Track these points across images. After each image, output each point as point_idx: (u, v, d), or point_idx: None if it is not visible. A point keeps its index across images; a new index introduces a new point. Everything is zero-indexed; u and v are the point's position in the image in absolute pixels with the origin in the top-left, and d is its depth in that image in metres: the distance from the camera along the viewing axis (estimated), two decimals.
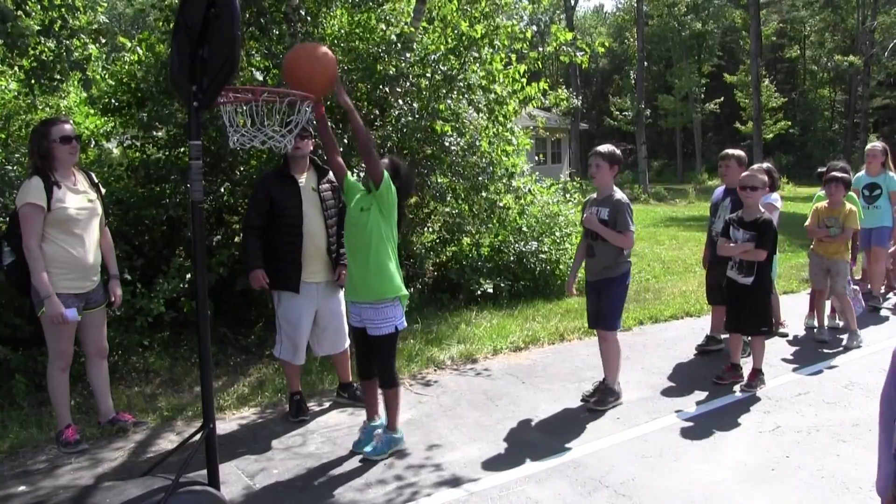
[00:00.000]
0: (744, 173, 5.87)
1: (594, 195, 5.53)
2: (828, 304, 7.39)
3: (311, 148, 5.25)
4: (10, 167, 6.43)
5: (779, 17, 45.15)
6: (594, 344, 7.11)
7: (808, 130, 42.60)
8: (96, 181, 4.90)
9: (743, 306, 5.73)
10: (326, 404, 5.59)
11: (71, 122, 4.84)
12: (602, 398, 5.38)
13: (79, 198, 4.60)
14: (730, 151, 6.55)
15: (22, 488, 4.24)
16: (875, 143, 8.60)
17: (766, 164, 7.20)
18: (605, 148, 5.40)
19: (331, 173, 5.23)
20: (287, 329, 5.13)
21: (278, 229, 5.00)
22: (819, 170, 9.30)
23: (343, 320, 5.33)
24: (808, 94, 44.88)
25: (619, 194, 5.34)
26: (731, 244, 5.69)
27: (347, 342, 5.39)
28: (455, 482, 4.22)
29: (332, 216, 5.17)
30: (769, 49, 46.40)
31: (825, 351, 6.76)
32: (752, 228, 5.61)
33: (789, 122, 39.88)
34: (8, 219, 4.72)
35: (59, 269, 4.49)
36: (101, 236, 4.84)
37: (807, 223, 7.01)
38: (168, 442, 4.87)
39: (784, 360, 6.52)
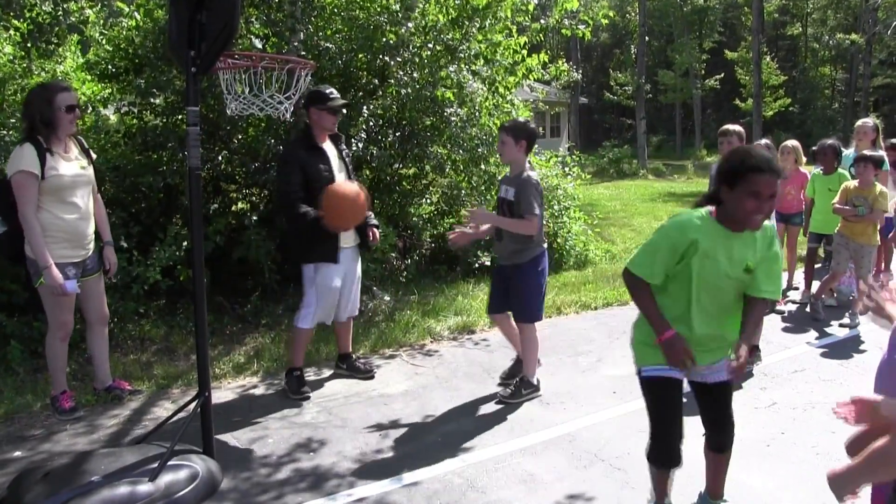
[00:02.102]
0: None
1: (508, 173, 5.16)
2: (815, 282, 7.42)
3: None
4: (5, 132, 6.37)
5: None
6: (591, 318, 7.15)
7: (808, 108, 42.43)
8: (87, 147, 4.79)
9: None
10: (323, 373, 5.60)
11: (72, 88, 4.74)
12: (516, 391, 5.05)
13: (72, 165, 4.51)
14: (730, 127, 6.46)
15: (18, 453, 4.24)
16: (866, 120, 8.40)
17: (764, 141, 7.14)
18: (510, 122, 5.12)
19: (344, 139, 5.40)
20: (326, 295, 5.06)
21: (315, 203, 4.81)
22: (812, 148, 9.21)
23: (359, 285, 5.41)
24: (809, 72, 44.62)
25: (528, 172, 4.93)
26: None
27: (357, 309, 5.52)
28: (451, 453, 4.23)
29: (353, 180, 5.18)
30: (771, 26, 46.09)
31: (822, 329, 6.77)
32: None
33: (789, 100, 39.70)
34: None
35: (55, 238, 4.42)
36: (94, 203, 4.79)
37: (835, 200, 6.90)
38: (163, 410, 4.87)
39: (781, 336, 6.53)
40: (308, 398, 5.12)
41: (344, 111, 5.12)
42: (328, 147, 5.10)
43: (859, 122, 8.38)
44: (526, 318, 5.03)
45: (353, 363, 5.56)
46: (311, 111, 5.00)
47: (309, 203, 4.85)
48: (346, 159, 5.26)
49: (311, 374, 5.55)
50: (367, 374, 5.50)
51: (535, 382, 5.14)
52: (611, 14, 9.94)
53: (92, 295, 4.82)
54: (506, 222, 4.88)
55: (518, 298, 5.01)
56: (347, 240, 5.13)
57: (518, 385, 5.07)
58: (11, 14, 5.57)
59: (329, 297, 5.09)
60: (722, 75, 40.70)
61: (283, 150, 5.77)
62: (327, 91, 5.00)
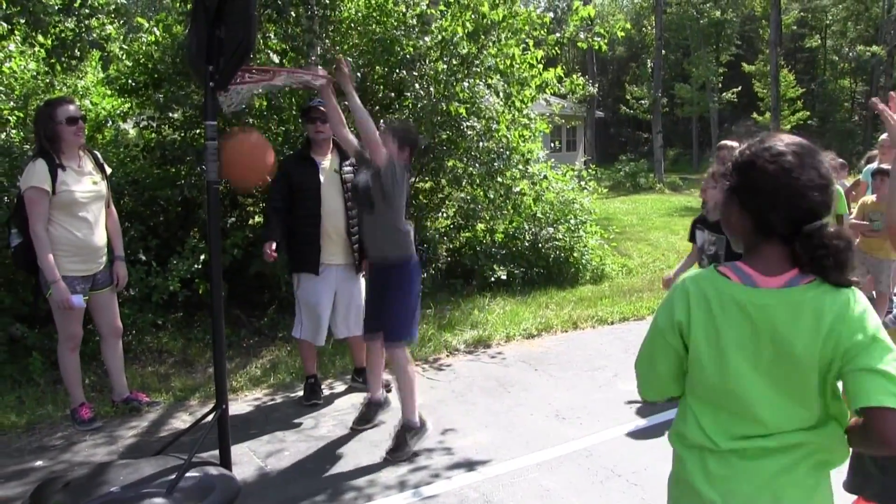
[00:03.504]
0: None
1: None
2: None
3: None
4: (27, 146, 6.46)
5: (800, 5, 44.61)
6: (607, 332, 7.13)
7: (828, 122, 42.17)
8: (101, 161, 4.83)
9: None
10: (339, 387, 5.61)
11: (75, 101, 4.79)
12: (400, 443, 4.34)
13: (84, 180, 4.56)
14: (727, 142, 6.27)
15: (39, 463, 4.29)
16: None
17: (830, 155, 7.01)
18: (394, 124, 4.62)
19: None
20: (307, 310, 5.10)
21: (298, 212, 4.98)
22: None
23: (361, 305, 5.31)
24: (828, 85, 44.38)
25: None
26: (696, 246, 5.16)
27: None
28: (466, 467, 4.23)
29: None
30: (789, 38, 45.90)
31: None
32: (717, 230, 5.03)
33: (808, 113, 39.47)
34: (16, 200, 4.70)
35: (65, 252, 4.47)
36: (107, 217, 4.81)
37: (852, 216, 6.84)
38: (181, 422, 4.90)
39: None
40: (314, 405, 5.19)
41: (318, 117, 5.00)
42: (328, 160, 5.09)
43: (883, 136, 8.29)
44: (390, 336, 4.35)
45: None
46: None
47: (292, 211, 5.01)
48: (347, 175, 5.06)
49: (325, 388, 5.56)
50: (384, 388, 5.49)
51: (419, 422, 4.44)
52: (627, 26, 9.94)
53: (103, 308, 4.85)
54: (358, 106, 4.16)
55: (385, 310, 4.35)
56: (335, 257, 5.07)
57: (400, 433, 4.38)
58: (38, 31, 5.67)
59: (309, 310, 5.09)
60: (739, 88, 40.53)
61: None
62: (311, 103, 5.11)
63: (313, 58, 7.03)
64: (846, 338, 1.67)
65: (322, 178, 5.02)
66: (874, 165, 8.18)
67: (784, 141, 1.75)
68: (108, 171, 4.93)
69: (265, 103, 7.14)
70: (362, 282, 5.23)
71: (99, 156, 4.86)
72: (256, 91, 4.33)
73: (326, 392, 5.46)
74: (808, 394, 1.72)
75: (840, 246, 1.68)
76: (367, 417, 4.74)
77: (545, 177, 9.23)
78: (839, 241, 1.69)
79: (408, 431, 4.39)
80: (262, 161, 4.50)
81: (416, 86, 7.55)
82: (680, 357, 1.82)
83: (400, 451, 4.33)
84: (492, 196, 8.55)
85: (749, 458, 1.75)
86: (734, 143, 5.98)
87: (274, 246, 4.92)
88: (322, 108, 4.90)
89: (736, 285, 1.74)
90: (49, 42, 6.13)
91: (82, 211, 4.54)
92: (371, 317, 4.55)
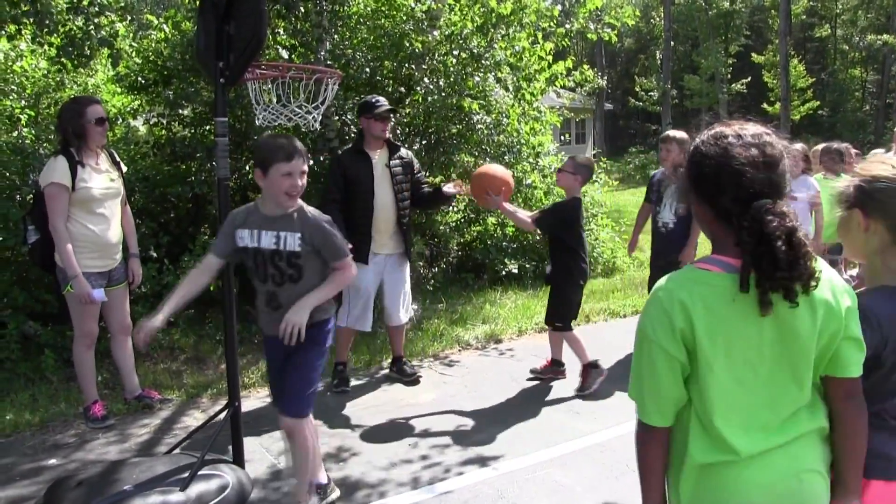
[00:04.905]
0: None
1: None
2: None
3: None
4: (39, 145, 6.46)
5: None
6: (619, 325, 7.10)
7: (838, 111, 41.84)
8: (118, 160, 4.90)
9: (549, 294, 5.57)
10: (352, 382, 5.59)
11: (101, 101, 4.84)
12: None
13: (101, 177, 4.60)
14: (671, 133, 6.06)
15: (52, 461, 4.29)
16: None
17: (798, 146, 6.93)
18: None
19: (402, 150, 5.44)
20: (355, 296, 5.24)
21: (352, 204, 5.13)
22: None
23: (407, 292, 5.54)
24: (839, 75, 44.03)
25: (304, 206, 3.32)
26: None
27: (409, 316, 5.66)
28: (480, 463, 4.21)
29: (402, 190, 5.30)
30: (798, 28, 45.59)
31: None
32: None
33: (818, 103, 39.22)
34: (31, 197, 4.72)
35: (83, 249, 4.49)
36: (122, 215, 4.84)
37: None
38: (193, 419, 4.90)
39: None
40: (343, 392, 5.33)
41: (391, 117, 5.30)
42: (379, 154, 5.24)
43: None
44: (293, 413, 3.45)
45: (402, 367, 5.67)
46: (361, 120, 5.26)
47: (347, 203, 5.12)
48: (396, 168, 5.27)
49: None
50: (410, 379, 5.59)
51: (325, 482, 3.73)
52: (636, 14, 9.88)
53: (115, 305, 4.86)
54: (318, 297, 3.30)
55: (288, 380, 3.47)
56: (385, 247, 5.29)
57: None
58: (45, 29, 5.69)
59: (357, 297, 5.24)
60: (748, 79, 40.31)
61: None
62: (374, 100, 5.21)
63: (322, 53, 7.02)
64: (839, 306, 1.71)
65: (375, 173, 5.17)
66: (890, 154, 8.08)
67: (733, 126, 1.74)
68: (124, 169, 4.97)
69: (273, 98, 7.16)
70: (407, 268, 5.51)
71: (115, 154, 4.93)
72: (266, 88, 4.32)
73: (335, 389, 5.44)
74: (805, 370, 1.73)
75: (776, 225, 1.59)
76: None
77: (555, 169, 9.19)
78: (776, 219, 1.60)
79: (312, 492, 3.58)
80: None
81: (426, 80, 7.52)
82: (684, 369, 1.75)
83: None
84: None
85: (772, 449, 1.73)
86: (679, 134, 5.87)
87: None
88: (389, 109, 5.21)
89: (723, 276, 1.69)
90: (59, 40, 6.14)
91: (100, 207, 4.58)
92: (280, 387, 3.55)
